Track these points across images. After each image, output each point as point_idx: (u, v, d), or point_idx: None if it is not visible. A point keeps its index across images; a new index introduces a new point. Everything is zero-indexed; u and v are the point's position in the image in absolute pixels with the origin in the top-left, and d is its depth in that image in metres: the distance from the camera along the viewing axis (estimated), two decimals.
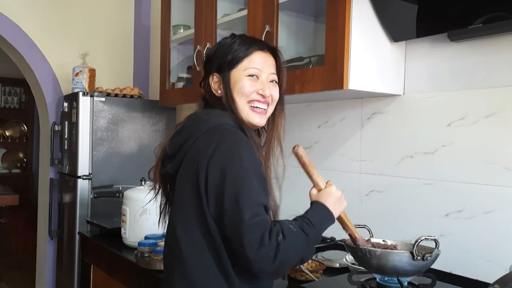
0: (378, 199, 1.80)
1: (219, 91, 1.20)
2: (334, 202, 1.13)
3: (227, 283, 1.07)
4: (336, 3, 1.53)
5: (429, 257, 1.17)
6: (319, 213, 1.10)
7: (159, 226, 1.33)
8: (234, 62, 1.18)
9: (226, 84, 1.18)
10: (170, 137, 1.20)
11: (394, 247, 1.31)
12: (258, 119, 1.19)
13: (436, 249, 1.20)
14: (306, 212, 1.10)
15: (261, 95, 1.18)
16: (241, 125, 1.15)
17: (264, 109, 1.20)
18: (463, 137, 1.53)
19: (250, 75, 1.18)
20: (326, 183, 1.18)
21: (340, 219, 1.20)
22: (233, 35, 1.24)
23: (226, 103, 1.18)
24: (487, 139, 1.47)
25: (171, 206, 1.24)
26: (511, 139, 1.41)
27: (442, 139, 1.59)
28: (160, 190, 1.25)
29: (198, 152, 1.08)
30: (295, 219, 1.07)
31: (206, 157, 1.05)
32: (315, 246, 1.08)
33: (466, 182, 1.52)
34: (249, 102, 1.18)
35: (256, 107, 1.19)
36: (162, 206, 1.28)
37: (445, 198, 1.57)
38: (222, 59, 1.19)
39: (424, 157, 1.64)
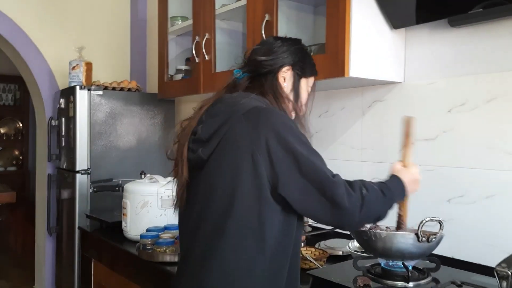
0: None
1: (285, 84, 1.22)
2: (411, 182, 1.19)
3: (267, 276, 1.06)
4: None
5: (434, 239, 1.18)
6: (396, 184, 1.16)
7: (174, 212, 1.25)
8: (310, 73, 1.27)
9: (297, 85, 1.24)
10: (197, 119, 1.16)
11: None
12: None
13: (440, 231, 1.21)
14: (385, 179, 1.17)
15: (301, 110, 1.26)
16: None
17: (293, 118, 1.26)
18: (464, 123, 1.54)
19: (307, 92, 1.28)
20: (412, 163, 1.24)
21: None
22: (299, 41, 1.30)
23: (285, 98, 1.20)
24: (487, 124, 1.48)
25: (195, 192, 1.16)
26: (511, 124, 1.42)
27: (443, 125, 1.59)
28: (184, 175, 1.17)
29: (242, 136, 1.06)
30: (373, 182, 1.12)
31: (262, 142, 1.04)
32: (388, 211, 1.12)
33: (467, 167, 1.53)
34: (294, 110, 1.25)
35: (293, 114, 1.25)
36: (181, 192, 1.19)
37: (447, 183, 1.58)
38: (302, 62, 1.24)
39: (425, 144, 1.64)
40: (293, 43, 1.26)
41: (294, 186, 1.04)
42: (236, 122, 1.08)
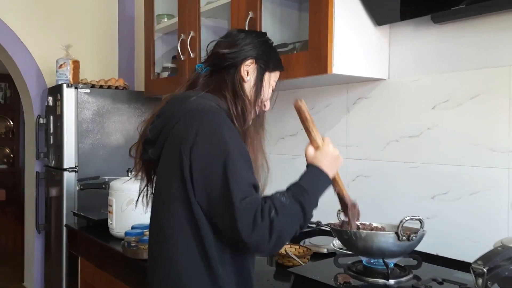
0: (364, 184, 1.80)
1: (248, 78, 1.17)
2: (331, 162, 1.12)
3: (209, 272, 1.05)
4: None
5: (414, 237, 1.18)
6: (314, 178, 1.08)
7: (144, 212, 1.29)
8: (274, 67, 1.23)
9: (260, 79, 1.19)
10: (151, 119, 1.16)
11: (381, 229, 1.31)
12: (250, 121, 1.20)
13: (421, 229, 1.21)
14: (301, 177, 1.08)
15: (265, 106, 1.24)
16: (238, 115, 1.13)
17: (257, 114, 1.23)
18: (448, 120, 1.53)
19: (273, 87, 1.24)
20: (323, 139, 1.16)
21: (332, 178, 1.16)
22: (264, 34, 1.26)
23: (246, 93, 1.16)
24: (471, 121, 1.48)
25: (154, 191, 1.20)
26: (495, 120, 1.42)
27: (427, 122, 1.59)
28: (141, 175, 1.21)
29: (179, 135, 1.05)
30: (288, 188, 1.05)
31: (189, 141, 1.02)
32: (313, 212, 1.06)
33: (451, 164, 1.53)
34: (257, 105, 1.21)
35: (256, 110, 1.22)
36: (144, 192, 1.24)
37: (431, 180, 1.58)
38: (266, 55, 1.20)
39: (410, 141, 1.64)
40: (257, 36, 1.22)
41: (205, 195, 1.01)
42: (177, 122, 1.07)
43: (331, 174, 1.11)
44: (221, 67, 1.17)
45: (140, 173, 1.22)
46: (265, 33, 1.27)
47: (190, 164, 1.01)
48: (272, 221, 0.96)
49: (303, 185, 1.05)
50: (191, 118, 1.05)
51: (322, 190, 1.09)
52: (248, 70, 1.18)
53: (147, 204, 1.24)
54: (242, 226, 0.95)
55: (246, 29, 1.45)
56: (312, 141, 1.15)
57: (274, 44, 1.28)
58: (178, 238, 1.06)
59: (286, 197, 1.01)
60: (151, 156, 1.14)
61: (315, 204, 1.06)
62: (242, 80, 1.17)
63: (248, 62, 1.17)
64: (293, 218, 1.00)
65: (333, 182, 1.18)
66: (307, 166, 1.12)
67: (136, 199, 1.96)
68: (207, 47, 1.24)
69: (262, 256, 1.06)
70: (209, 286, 1.04)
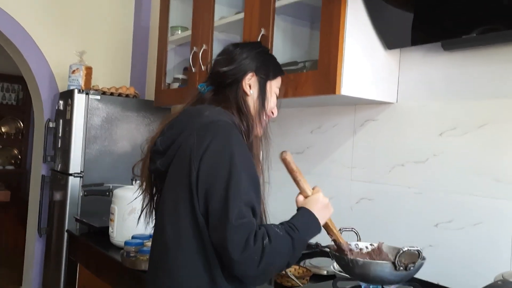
0: (368, 207, 1.78)
1: (251, 91, 1.19)
2: (321, 209, 1.13)
3: (212, 285, 1.04)
4: (331, 9, 1.53)
5: (412, 267, 1.16)
6: (305, 219, 1.09)
7: (145, 225, 1.29)
8: (274, 74, 1.24)
9: (262, 90, 1.21)
10: (160, 131, 1.17)
11: (378, 249, 1.30)
12: (261, 130, 1.22)
13: (419, 260, 1.19)
14: (292, 217, 1.09)
15: (272, 113, 1.26)
16: (247, 128, 1.15)
17: (266, 123, 1.25)
18: (455, 147, 1.52)
19: (276, 93, 1.25)
20: (313, 189, 1.17)
21: (325, 225, 1.19)
22: (259, 44, 1.28)
23: (249, 109, 1.18)
24: (478, 150, 1.46)
25: (160, 203, 1.19)
26: (502, 151, 1.41)
27: (434, 149, 1.58)
28: (146, 187, 1.22)
29: (190, 148, 1.06)
30: (281, 224, 1.06)
31: (199, 153, 1.03)
32: (301, 252, 1.07)
33: (456, 193, 1.51)
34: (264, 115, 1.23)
35: (265, 119, 1.24)
36: (146, 204, 1.24)
37: (435, 208, 1.56)
38: (265, 65, 1.22)
39: (415, 166, 1.63)
40: (253, 47, 1.24)
41: (205, 208, 1.01)
42: (190, 134, 1.08)
43: (322, 220, 1.12)
44: (223, 85, 1.19)
45: (144, 185, 1.22)
46: (259, 43, 1.30)
47: (197, 175, 1.02)
48: (264, 247, 0.96)
49: (294, 223, 1.05)
50: (204, 132, 1.06)
51: (312, 233, 1.10)
52: (250, 84, 1.19)
53: (150, 216, 1.24)
54: (233, 244, 0.95)
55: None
56: (301, 191, 1.17)
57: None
58: (182, 249, 1.06)
59: (280, 229, 1.02)
60: (159, 167, 1.15)
61: (304, 244, 1.06)
62: (245, 95, 1.19)
63: (249, 76, 1.19)
64: (285, 251, 1.01)
65: (328, 229, 1.20)
66: (297, 210, 1.13)
67: (138, 208, 1.99)
68: (206, 66, 1.26)
69: (246, 282, 1.04)
70: None
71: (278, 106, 1.27)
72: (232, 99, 1.17)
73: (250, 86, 1.19)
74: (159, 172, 1.16)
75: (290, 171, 1.17)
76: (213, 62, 1.25)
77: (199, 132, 1.07)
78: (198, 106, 1.18)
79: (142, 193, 1.25)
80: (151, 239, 1.86)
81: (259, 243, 0.96)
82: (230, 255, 0.95)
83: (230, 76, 1.18)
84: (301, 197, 1.16)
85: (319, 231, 1.12)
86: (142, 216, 1.26)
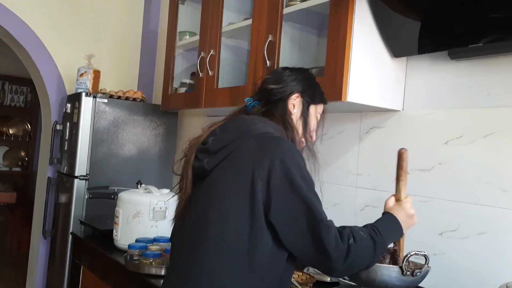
0: (373, 214, 1.76)
1: (294, 111, 1.24)
2: (406, 218, 1.18)
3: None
4: (339, 16, 1.54)
5: (418, 273, 1.16)
6: (389, 225, 1.16)
7: (172, 223, 1.27)
8: (318, 100, 1.30)
9: (306, 112, 1.26)
10: (206, 135, 1.19)
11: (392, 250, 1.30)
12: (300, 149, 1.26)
13: (426, 265, 1.19)
14: (377, 221, 1.16)
15: (311, 136, 1.30)
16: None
17: (303, 145, 1.28)
18: (460, 156, 1.52)
19: (317, 119, 1.31)
20: (406, 197, 1.23)
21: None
22: (307, 70, 1.35)
23: (294, 125, 1.23)
24: (484, 159, 1.46)
25: (192, 203, 1.18)
26: (508, 160, 1.40)
27: (439, 157, 1.58)
28: (188, 184, 1.19)
29: (249, 156, 1.08)
30: (365, 226, 1.11)
31: (265, 164, 1.06)
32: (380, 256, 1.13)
33: (462, 201, 1.51)
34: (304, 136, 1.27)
35: (303, 141, 1.27)
36: (183, 201, 1.21)
37: (440, 216, 1.56)
38: (310, 90, 1.28)
39: (421, 174, 1.63)
40: (301, 72, 1.30)
41: (284, 216, 1.05)
42: (246, 141, 1.11)
43: (404, 229, 1.18)
44: (269, 101, 1.25)
45: (186, 183, 1.20)
46: (308, 69, 1.35)
47: (268, 186, 1.05)
48: (350, 246, 1.03)
49: (378, 227, 1.11)
50: (264, 142, 1.10)
51: (393, 238, 1.17)
52: (295, 104, 1.25)
53: (180, 215, 1.23)
54: (329, 239, 1.01)
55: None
56: (396, 191, 1.24)
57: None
58: (226, 247, 1.06)
59: (364, 232, 1.08)
60: (206, 166, 1.15)
61: (383, 249, 1.13)
62: (289, 113, 1.24)
63: (294, 96, 1.24)
64: (367, 252, 1.07)
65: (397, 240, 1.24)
66: (383, 213, 1.21)
67: (142, 212, 2.00)
68: (255, 83, 1.29)
69: (331, 275, 1.18)
70: None
71: (318, 133, 1.32)
72: (278, 115, 1.22)
73: (294, 106, 1.24)
74: (203, 170, 1.16)
75: (400, 168, 1.24)
76: (262, 80, 1.31)
77: (257, 141, 1.11)
78: (251, 116, 1.23)
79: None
80: (155, 243, 1.88)
81: (346, 242, 1.03)
82: (326, 251, 1.01)
83: (277, 94, 1.24)
84: (392, 200, 1.23)
85: (400, 236, 1.19)
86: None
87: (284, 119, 1.22)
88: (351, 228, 1.07)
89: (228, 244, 1.06)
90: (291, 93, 1.24)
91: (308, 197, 1.04)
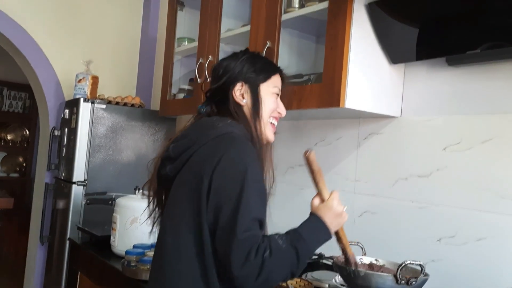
0: (371, 221, 1.78)
1: (244, 100, 1.19)
2: (334, 217, 1.12)
3: None
4: (337, 23, 1.55)
5: (413, 282, 1.15)
6: (314, 227, 1.10)
7: (150, 234, 1.30)
8: (265, 77, 1.22)
9: (255, 95, 1.20)
10: (172, 139, 1.19)
11: (380, 267, 1.29)
12: (272, 135, 1.24)
13: (421, 275, 1.18)
14: (301, 225, 1.09)
15: (279, 113, 1.25)
16: (253, 137, 1.16)
17: (275, 125, 1.25)
18: (458, 162, 1.52)
19: (276, 93, 1.24)
20: (331, 193, 1.16)
21: (336, 233, 1.18)
22: (244, 51, 1.27)
23: (251, 114, 1.19)
24: (482, 165, 1.46)
25: (165, 209, 1.21)
26: (506, 166, 1.41)
27: (437, 163, 1.58)
28: (155, 193, 1.24)
29: (203, 158, 1.08)
30: (287, 233, 1.06)
31: (212, 164, 1.04)
32: (307, 261, 1.08)
33: (460, 208, 1.50)
34: (270, 117, 1.23)
35: (271, 123, 1.24)
36: (153, 211, 1.25)
37: (438, 222, 1.56)
38: (251, 70, 1.21)
39: (419, 180, 1.63)
40: (235, 58, 1.24)
41: (211, 219, 1.02)
42: (204, 144, 1.10)
43: (333, 228, 1.12)
44: (218, 103, 1.21)
45: (152, 192, 1.24)
46: (244, 50, 1.28)
47: (209, 185, 1.03)
48: (264, 261, 0.97)
49: (301, 232, 1.06)
50: (218, 143, 1.09)
51: (320, 241, 1.09)
52: (242, 93, 1.19)
53: (155, 223, 1.25)
54: (235, 257, 0.96)
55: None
56: (319, 193, 1.17)
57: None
58: (181, 254, 1.07)
59: (283, 241, 1.02)
60: (168, 173, 1.17)
61: (310, 254, 1.07)
62: (239, 105, 1.19)
63: (238, 86, 1.19)
64: (286, 263, 1.01)
65: (338, 237, 1.20)
66: (309, 215, 1.14)
67: (140, 218, 1.99)
68: (206, 92, 1.27)
69: None
70: None
71: (282, 106, 1.26)
72: (232, 112, 1.18)
73: (242, 96, 1.19)
74: (167, 177, 1.18)
75: (311, 171, 1.18)
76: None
77: (213, 143, 1.09)
78: (212, 117, 1.20)
79: (143, 199, 1.26)
80: (152, 248, 1.87)
81: (259, 257, 0.97)
82: (231, 268, 0.97)
83: (219, 93, 1.20)
84: (316, 201, 1.16)
85: (328, 238, 1.12)
86: (152, 223, 1.26)
87: (237, 113, 1.17)
88: (270, 239, 1.01)
89: (183, 251, 1.07)
90: (233, 85, 1.19)
91: (239, 203, 0.99)
